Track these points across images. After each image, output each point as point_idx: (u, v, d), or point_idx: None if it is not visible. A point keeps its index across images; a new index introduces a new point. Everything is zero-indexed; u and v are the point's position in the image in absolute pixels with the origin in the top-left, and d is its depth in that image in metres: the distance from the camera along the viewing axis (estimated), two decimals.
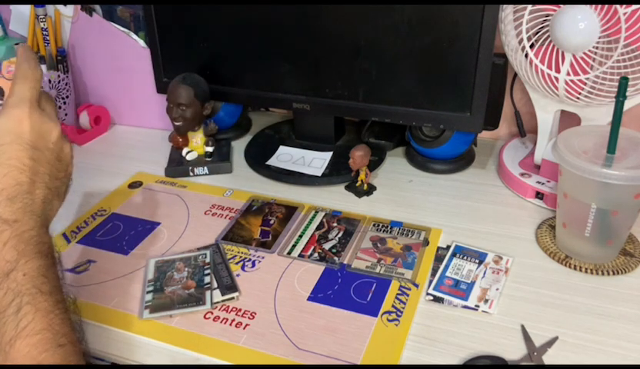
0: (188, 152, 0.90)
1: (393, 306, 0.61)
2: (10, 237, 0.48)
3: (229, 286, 0.64)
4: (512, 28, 0.73)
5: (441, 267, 0.66)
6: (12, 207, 0.50)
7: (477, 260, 0.67)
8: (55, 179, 0.55)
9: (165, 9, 0.89)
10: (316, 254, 0.69)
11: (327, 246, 0.71)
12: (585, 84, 0.69)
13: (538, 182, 0.78)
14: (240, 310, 0.61)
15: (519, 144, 0.89)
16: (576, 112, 0.75)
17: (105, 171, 0.91)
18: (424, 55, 0.76)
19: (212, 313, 0.61)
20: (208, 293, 0.63)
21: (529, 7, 0.69)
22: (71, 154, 0.59)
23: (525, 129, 0.88)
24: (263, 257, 0.69)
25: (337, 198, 0.81)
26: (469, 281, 0.64)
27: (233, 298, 0.62)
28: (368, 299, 0.62)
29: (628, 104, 0.63)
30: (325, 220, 0.76)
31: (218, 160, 0.90)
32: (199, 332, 0.58)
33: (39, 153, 0.53)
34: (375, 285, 0.64)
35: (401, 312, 0.60)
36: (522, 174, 0.80)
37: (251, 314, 0.60)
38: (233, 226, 0.75)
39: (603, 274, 0.64)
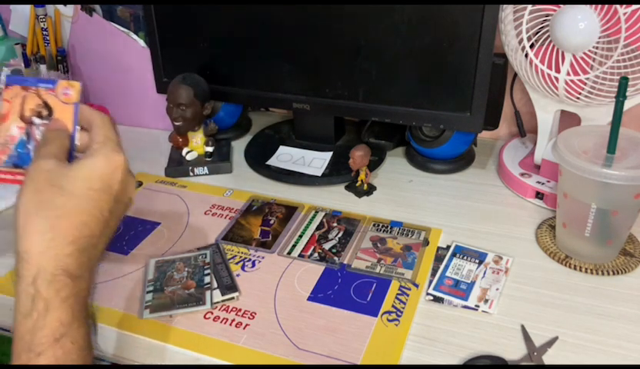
0: (188, 152, 0.90)
1: (393, 306, 0.61)
2: (70, 294, 0.45)
3: (229, 286, 0.64)
4: (512, 28, 0.73)
5: (441, 267, 0.66)
6: (80, 259, 0.47)
7: (477, 260, 0.67)
8: (114, 230, 0.53)
9: (165, 9, 0.89)
10: (316, 254, 0.69)
11: (327, 246, 0.71)
12: (585, 84, 0.69)
13: (538, 182, 0.78)
14: (240, 310, 0.61)
15: (519, 144, 0.89)
16: (576, 112, 0.75)
17: None
18: (424, 55, 0.76)
19: (212, 313, 0.61)
20: (208, 293, 0.63)
21: (529, 7, 0.69)
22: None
23: (525, 129, 0.88)
24: (263, 257, 0.69)
25: (337, 198, 0.81)
26: (469, 281, 0.64)
27: (233, 298, 0.62)
28: (368, 299, 0.62)
29: (628, 104, 0.63)
30: (324, 220, 0.76)
31: (218, 160, 0.90)
32: (199, 332, 0.58)
33: (117, 206, 0.51)
34: (374, 285, 0.64)
35: (401, 312, 0.60)
36: (522, 174, 0.80)
37: (251, 314, 0.60)
38: (233, 226, 0.75)
39: (603, 274, 0.64)
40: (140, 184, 0.86)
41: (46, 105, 0.54)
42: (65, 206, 0.47)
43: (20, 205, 0.47)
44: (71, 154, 0.53)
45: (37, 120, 0.54)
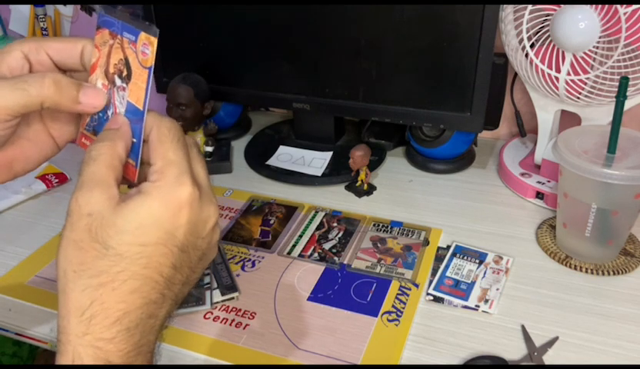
0: None
1: (393, 306, 0.61)
2: None
3: (229, 286, 0.64)
4: (512, 28, 0.73)
5: (442, 267, 0.66)
6: (129, 342, 0.36)
7: (477, 260, 0.67)
8: (186, 285, 0.41)
9: (165, 9, 0.89)
10: (316, 254, 0.69)
11: (327, 246, 0.71)
12: (586, 83, 0.69)
13: (539, 182, 0.78)
14: (240, 310, 0.61)
15: (519, 144, 0.89)
16: (576, 112, 0.75)
17: None
18: (424, 55, 0.76)
19: (212, 313, 0.61)
20: (207, 293, 0.63)
21: (529, 7, 0.69)
22: (218, 243, 0.43)
23: (526, 129, 0.88)
24: (263, 257, 0.69)
25: (337, 198, 0.81)
26: (469, 281, 0.64)
27: (233, 298, 0.62)
28: (368, 299, 0.62)
29: (628, 104, 0.63)
30: (324, 220, 0.76)
31: (218, 160, 0.90)
32: (199, 332, 0.58)
33: (184, 256, 0.39)
34: (375, 285, 0.64)
35: (402, 312, 0.60)
36: (523, 174, 0.80)
37: (251, 314, 0.60)
38: (233, 226, 0.75)
39: (603, 274, 0.64)
40: None
41: (127, 63, 0.41)
42: (109, 270, 0.36)
43: (58, 262, 0.37)
44: (135, 162, 0.41)
45: (118, 80, 0.41)
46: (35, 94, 0.39)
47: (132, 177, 0.41)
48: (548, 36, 0.69)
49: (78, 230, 0.37)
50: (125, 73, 0.41)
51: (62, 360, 0.36)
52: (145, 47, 0.39)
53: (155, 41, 0.39)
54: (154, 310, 0.38)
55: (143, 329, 0.37)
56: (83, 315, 0.36)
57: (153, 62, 0.39)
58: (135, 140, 0.40)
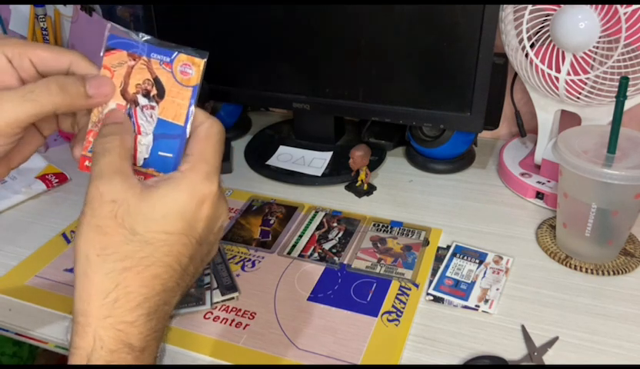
0: None
1: (393, 306, 0.61)
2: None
3: (229, 286, 0.64)
4: (512, 28, 0.73)
5: (442, 267, 0.66)
6: (147, 326, 0.37)
7: (477, 260, 0.67)
8: (194, 277, 0.42)
9: (165, 9, 0.89)
10: (316, 254, 0.69)
11: (327, 246, 0.71)
12: (586, 83, 0.69)
13: (539, 182, 0.78)
14: (240, 310, 0.61)
15: (519, 144, 0.89)
16: (576, 112, 0.75)
17: None
18: (424, 55, 0.76)
19: (212, 313, 0.61)
20: (207, 293, 0.63)
21: (529, 6, 0.69)
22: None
23: (526, 129, 0.88)
24: (263, 257, 0.69)
25: (337, 198, 0.81)
26: (469, 281, 0.64)
27: (233, 298, 0.62)
28: (368, 299, 0.62)
29: (628, 104, 0.63)
30: (324, 220, 0.76)
31: None
32: (199, 332, 0.58)
33: (199, 249, 0.41)
34: (375, 285, 0.64)
35: (402, 312, 0.60)
36: (523, 174, 0.80)
37: (251, 314, 0.60)
38: (233, 226, 0.75)
39: (603, 274, 0.64)
40: None
41: (157, 83, 0.42)
42: (134, 255, 0.37)
43: (79, 246, 0.37)
44: (176, 161, 0.41)
45: (143, 99, 0.42)
46: (46, 102, 0.39)
47: None
48: (548, 36, 0.69)
49: (101, 216, 0.37)
50: (154, 92, 0.42)
51: (81, 342, 0.36)
52: (186, 67, 0.41)
53: (201, 63, 0.42)
54: (169, 298, 0.39)
55: (159, 315, 0.38)
56: (107, 298, 0.36)
57: (199, 81, 0.42)
58: (171, 155, 0.42)
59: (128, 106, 0.42)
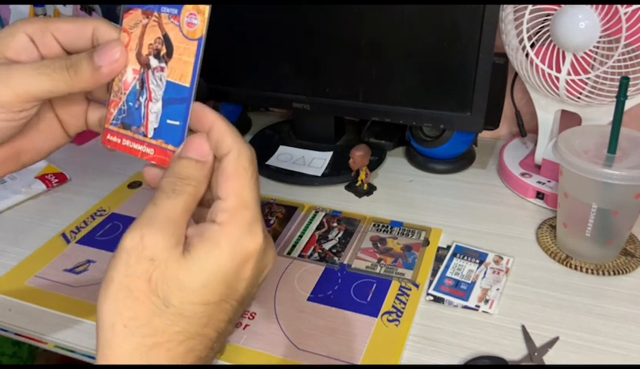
0: None
1: (393, 306, 0.60)
2: None
3: None
4: (513, 28, 0.73)
5: (442, 267, 0.66)
6: None
7: (477, 261, 0.67)
8: (231, 333, 0.37)
9: None
10: (316, 254, 0.69)
11: (327, 246, 0.70)
12: (586, 83, 0.69)
13: (539, 182, 0.78)
14: None
15: (520, 144, 0.89)
16: (577, 112, 0.75)
17: (104, 171, 0.90)
18: (424, 55, 0.76)
19: None
20: None
21: (530, 6, 0.69)
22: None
23: (526, 129, 0.87)
24: None
25: (337, 198, 0.81)
26: (470, 281, 0.64)
27: None
28: (368, 299, 0.62)
29: (628, 104, 0.63)
30: (324, 220, 0.76)
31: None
32: None
33: (240, 308, 0.36)
34: (375, 285, 0.64)
35: (402, 312, 0.60)
36: (523, 174, 0.80)
37: (251, 314, 0.60)
38: None
39: (604, 274, 0.64)
40: (139, 184, 0.86)
41: (166, 40, 0.37)
42: (166, 330, 0.32)
43: (105, 311, 0.32)
44: (181, 136, 0.37)
45: (154, 61, 0.38)
46: (59, 78, 0.37)
47: (166, 163, 0.38)
48: (549, 36, 0.69)
49: (135, 276, 0.32)
50: (163, 51, 0.37)
51: None
52: (192, 17, 0.36)
53: (205, 9, 0.36)
54: (202, 363, 0.35)
55: None
56: None
57: (204, 33, 0.36)
58: (178, 122, 0.37)
59: (142, 70, 0.38)
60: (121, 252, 0.32)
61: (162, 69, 0.37)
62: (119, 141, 0.39)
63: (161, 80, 0.38)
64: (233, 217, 0.34)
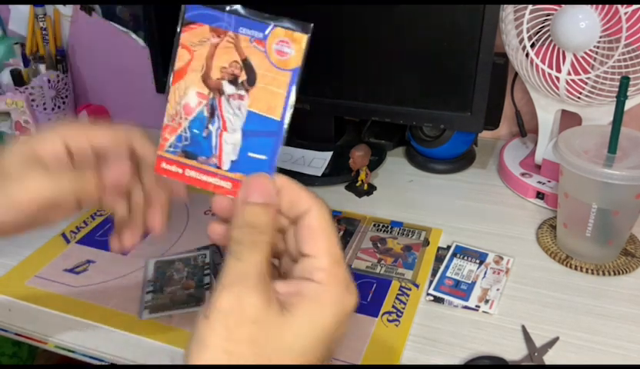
0: None
1: (393, 306, 0.60)
2: None
3: None
4: (513, 28, 0.73)
5: (442, 267, 0.66)
6: None
7: (477, 261, 0.67)
8: None
9: (165, 9, 0.89)
10: None
11: None
12: (586, 83, 0.69)
13: (539, 182, 0.78)
14: None
15: (520, 144, 0.89)
16: (577, 112, 0.75)
17: None
18: (424, 55, 0.76)
19: None
20: (207, 293, 0.62)
21: (530, 6, 0.69)
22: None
23: (526, 129, 0.87)
24: None
25: (337, 198, 0.81)
26: (470, 282, 0.64)
27: None
28: (369, 299, 0.62)
29: (629, 104, 0.63)
30: None
31: None
32: None
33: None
34: (375, 285, 0.64)
35: (402, 312, 0.60)
36: (523, 174, 0.80)
37: None
38: None
39: (604, 274, 0.64)
40: None
41: (247, 66, 0.34)
42: None
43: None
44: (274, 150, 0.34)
45: (229, 87, 0.34)
46: (66, 185, 0.42)
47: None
48: (549, 36, 0.69)
49: (238, 340, 0.29)
50: (243, 78, 0.34)
51: None
52: (284, 45, 0.33)
53: (302, 39, 0.33)
54: None
55: None
56: None
57: (299, 64, 0.33)
58: (264, 157, 0.34)
59: (211, 96, 0.34)
60: (216, 314, 0.30)
61: (242, 97, 0.34)
62: (180, 171, 0.36)
63: (240, 109, 0.34)
64: (331, 276, 0.32)
